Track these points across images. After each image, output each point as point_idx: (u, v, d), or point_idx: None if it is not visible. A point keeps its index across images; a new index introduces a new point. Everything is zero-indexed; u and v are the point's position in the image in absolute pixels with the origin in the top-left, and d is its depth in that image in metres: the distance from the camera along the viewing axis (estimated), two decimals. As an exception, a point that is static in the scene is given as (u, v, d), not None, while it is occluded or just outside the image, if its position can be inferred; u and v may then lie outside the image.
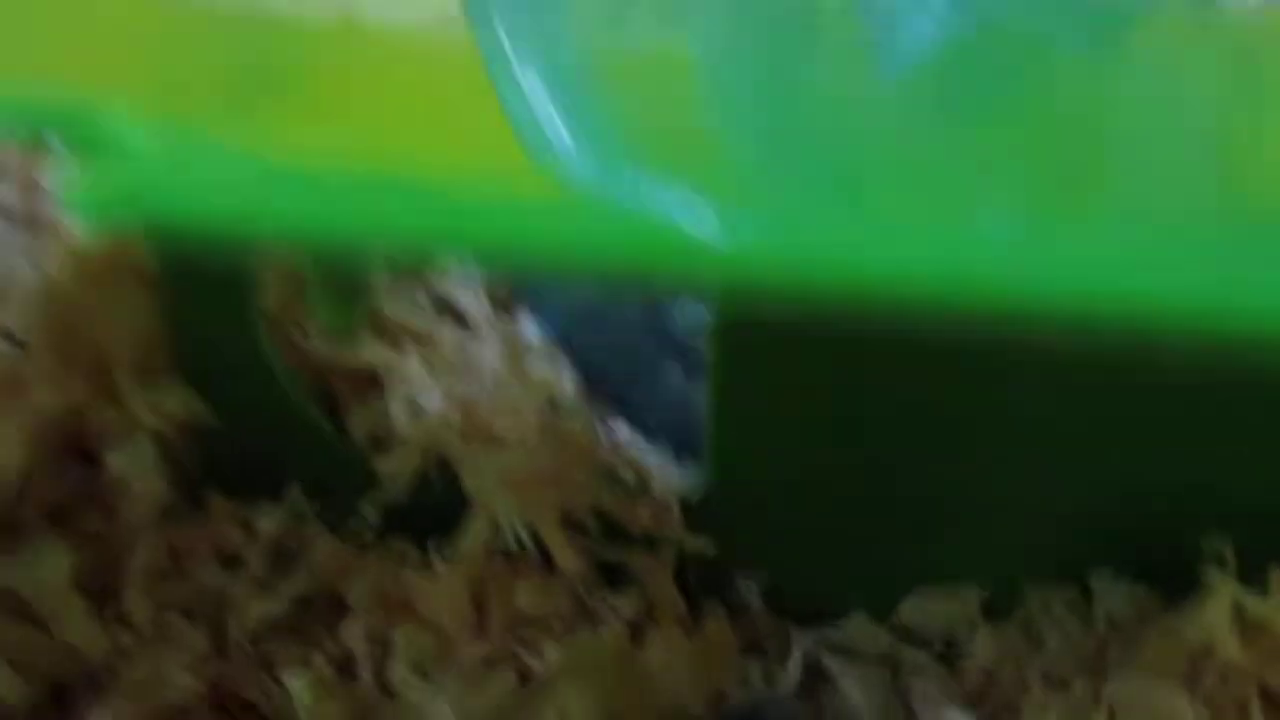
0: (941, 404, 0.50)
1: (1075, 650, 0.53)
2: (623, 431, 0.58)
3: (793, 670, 0.56)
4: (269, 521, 0.54)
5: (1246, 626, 0.50)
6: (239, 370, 0.53)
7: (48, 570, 0.52)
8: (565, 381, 0.57)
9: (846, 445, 0.52)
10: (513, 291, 0.60)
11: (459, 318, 0.59)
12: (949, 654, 0.57)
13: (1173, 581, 0.52)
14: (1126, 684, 0.50)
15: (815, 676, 0.56)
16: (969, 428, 0.51)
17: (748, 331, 0.48)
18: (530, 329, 0.58)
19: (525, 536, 0.54)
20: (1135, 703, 0.50)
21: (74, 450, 0.54)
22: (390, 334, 0.57)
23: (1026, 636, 0.55)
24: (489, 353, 0.56)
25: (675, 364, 0.58)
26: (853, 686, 0.55)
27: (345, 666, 0.54)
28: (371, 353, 0.56)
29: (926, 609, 0.56)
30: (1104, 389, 0.48)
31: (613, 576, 0.56)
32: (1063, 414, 0.50)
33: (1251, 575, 0.51)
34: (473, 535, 0.54)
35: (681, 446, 0.57)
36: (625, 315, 0.59)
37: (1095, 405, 0.49)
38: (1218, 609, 0.49)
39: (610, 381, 0.60)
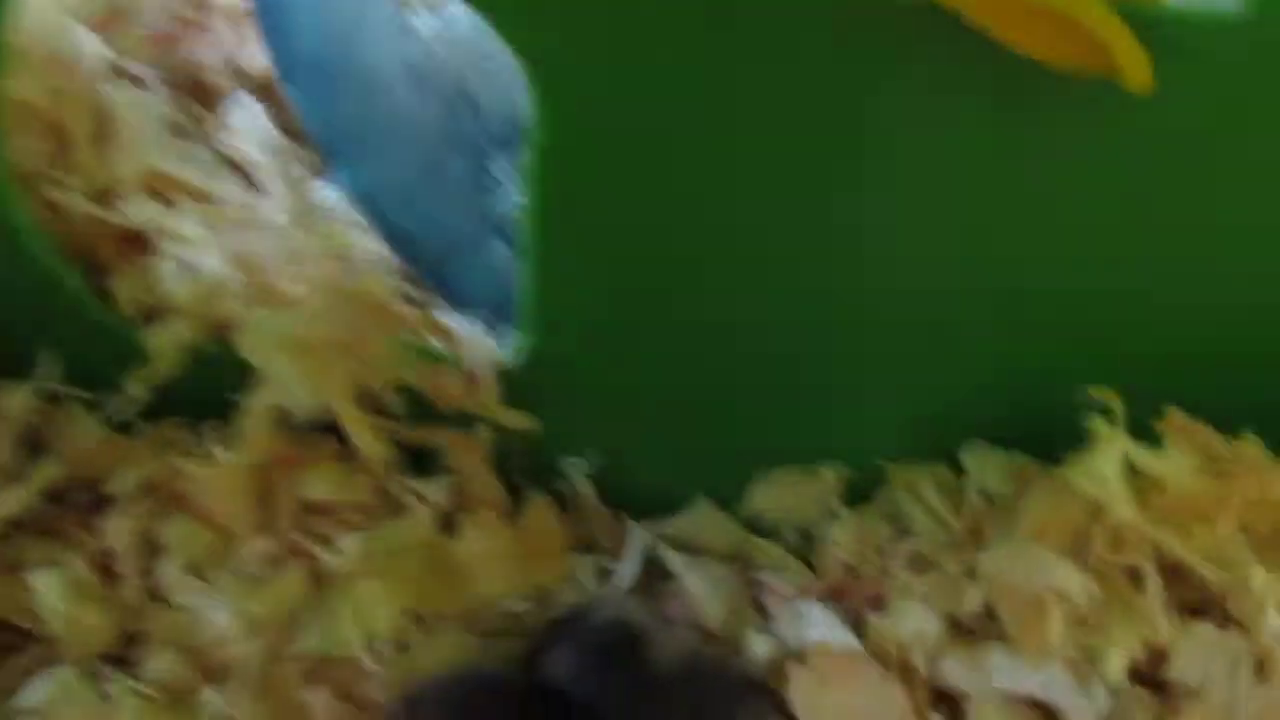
0: (783, 244, 0.43)
1: (946, 531, 0.47)
2: (433, 301, 0.51)
3: (628, 566, 0.49)
4: (16, 401, 0.46)
5: (1139, 484, 0.44)
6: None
7: None
8: (365, 241, 0.49)
9: (677, 302, 0.45)
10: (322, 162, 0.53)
11: (246, 176, 0.51)
12: (805, 545, 0.50)
13: (1054, 446, 0.46)
14: (1003, 556, 0.43)
15: (654, 573, 0.50)
16: (815, 275, 0.44)
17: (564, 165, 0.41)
18: (328, 191, 0.51)
19: (317, 415, 0.46)
20: (1014, 576, 0.44)
21: None
22: (164, 192, 0.49)
23: (891, 521, 0.49)
24: (275, 208, 0.49)
25: (498, 242, 0.51)
26: (697, 584, 0.49)
27: (107, 567, 0.47)
28: (140, 211, 0.48)
29: (778, 495, 0.50)
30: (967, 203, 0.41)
31: (420, 461, 0.49)
32: (920, 252, 0.43)
33: (1139, 431, 0.44)
34: (255, 415, 0.46)
35: (501, 318, 0.49)
36: (444, 191, 0.51)
37: (959, 233, 0.42)
38: (1106, 464, 0.43)
39: (425, 255, 0.52)
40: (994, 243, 0.43)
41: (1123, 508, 0.43)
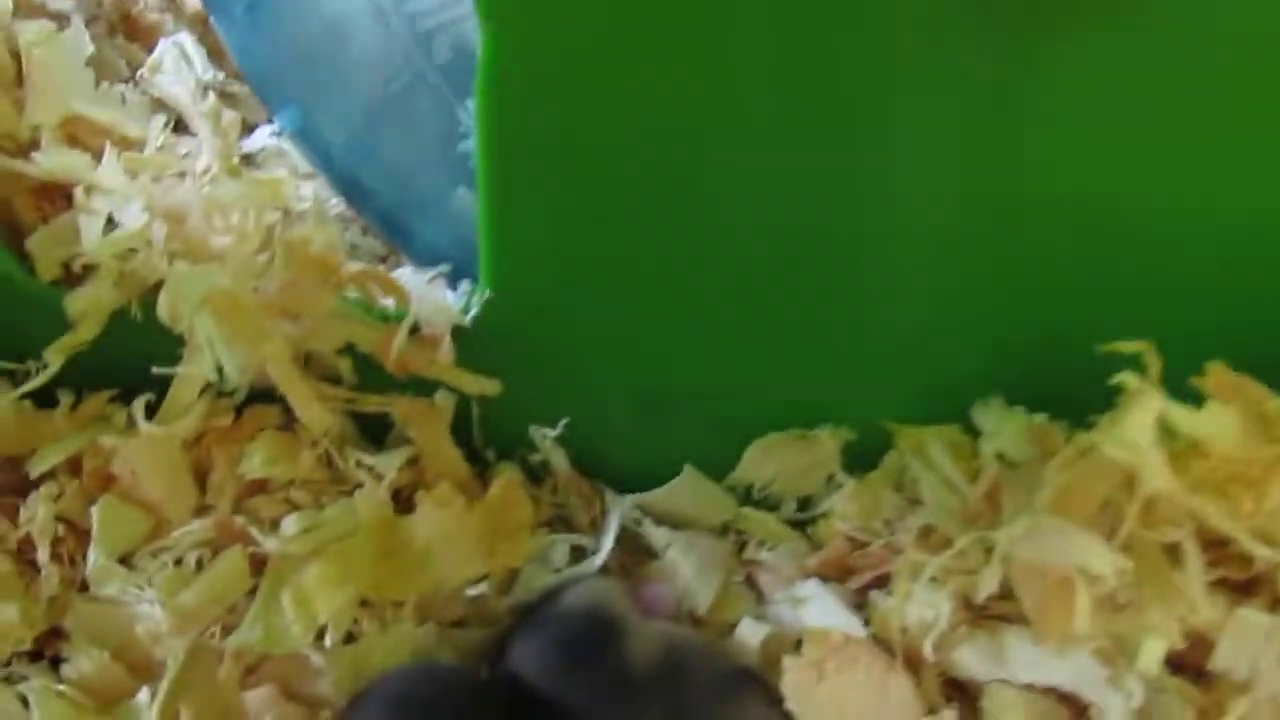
0: (767, 187, 0.38)
1: (959, 502, 0.41)
2: (387, 254, 0.46)
3: (605, 544, 0.45)
4: (-75, 375, 0.42)
5: (1177, 449, 0.38)
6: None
7: None
8: (309, 190, 0.44)
9: (651, 251, 0.40)
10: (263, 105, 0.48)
11: (176, 121, 0.46)
12: (803, 516, 0.46)
13: (1081, 407, 0.40)
14: (1024, 531, 0.38)
15: (635, 550, 0.45)
16: (803, 219, 0.39)
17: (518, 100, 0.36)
18: (265, 135, 0.46)
19: (256, 384, 0.42)
20: (1036, 553, 0.38)
21: None
22: (85, 140, 0.44)
23: (898, 489, 0.44)
24: (206, 154, 0.44)
25: (465, 191, 0.46)
26: (683, 562, 0.44)
27: (26, 555, 0.43)
28: (57, 160, 0.43)
29: (772, 462, 0.46)
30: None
31: (372, 432, 0.45)
32: (923, 187, 0.38)
33: (1178, 390, 0.38)
34: (187, 384, 0.42)
35: (465, 275, 0.44)
36: (407, 138, 0.46)
37: (966, 167, 0.37)
38: (1139, 426, 0.38)
39: (381, 205, 0.47)
40: (1006, 175, 0.38)
41: (1158, 475, 0.38)
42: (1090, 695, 0.39)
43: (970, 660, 0.40)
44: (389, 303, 0.43)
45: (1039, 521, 0.39)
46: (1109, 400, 0.39)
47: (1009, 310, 0.41)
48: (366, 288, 0.43)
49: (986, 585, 0.40)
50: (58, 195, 0.44)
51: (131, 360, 0.43)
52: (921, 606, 0.41)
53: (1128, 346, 0.38)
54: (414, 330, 0.42)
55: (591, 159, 0.38)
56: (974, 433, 0.43)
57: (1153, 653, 0.39)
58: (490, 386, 0.43)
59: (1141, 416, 0.38)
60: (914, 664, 0.41)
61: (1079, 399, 0.40)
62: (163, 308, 0.41)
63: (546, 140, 0.38)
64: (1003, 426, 0.42)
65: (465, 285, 0.43)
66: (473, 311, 0.42)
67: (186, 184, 0.43)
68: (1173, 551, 0.39)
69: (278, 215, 0.43)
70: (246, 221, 0.42)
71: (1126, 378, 0.38)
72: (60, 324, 0.42)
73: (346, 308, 0.42)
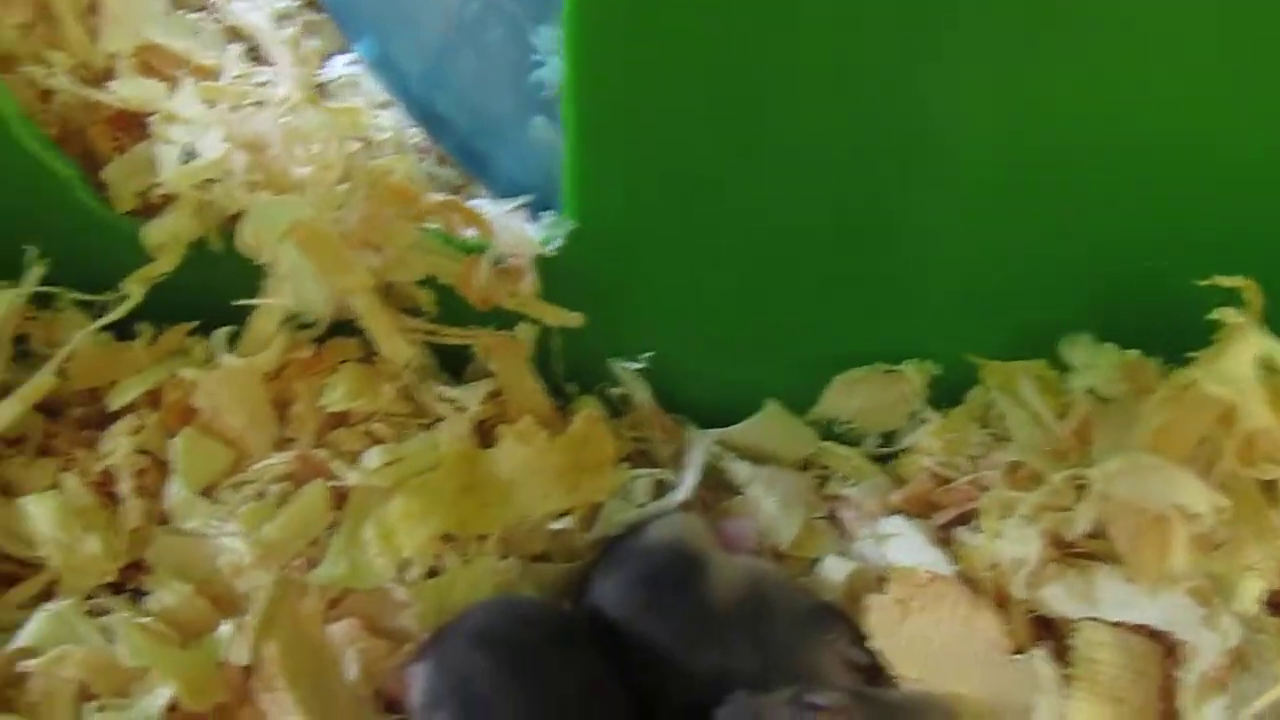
0: (854, 115, 0.37)
1: (1048, 439, 0.41)
2: (469, 185, 0.45)
3: (687, 479, 0.44)
4: (3, 305, 0.42)
5: (1276, 384, 0.37)
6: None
7: None
8: (388, 120, 0.44)
9: (735, 180, 0.39)
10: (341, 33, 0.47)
11: (254, 49, 0.46)
12: (886, 452, 0.45)
13: (1176, 343, 0.39)
14: (1118, 468, 0.37)
15: (716, 485, 0.44)
16: (887, 146, 0.38)
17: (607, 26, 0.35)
18: (341, 64, 0.45)
19: (336, 316, 0.41)
20: (1131, 491, 0.38)
21: None
22: (161, 69, 0.44)
23: (985, 425, 0.43)
24: (285, 83, 0.43)
25: (538, 121, 0.45)
26: (765, 497, 0.43)
27: (108, 489, 0.42)
28: (132, 89, 0.42)
29: (856, 397, 0.45)
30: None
31: (453, 365, 0.44)
32: (1004, 110, 0.37)
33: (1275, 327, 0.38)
34: (267, 316, 0.41)
35: (545, 208, 0.44)
36: (481, 64, 0.45)
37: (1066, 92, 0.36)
38: (1238, 361, 0.37)
39: (458, 133, 0.47)
40: (1077, 119, 0.37)
41: (1258, 411, 0.37)
42: (1183, 635, 0.39)
43: (1059, 598, 0.40)
44: (470, 234, 0.42)
45: (1135, 459, 0.38)
46: (1200, 338, 0.38)
47: (1095, 247, 0.40)
48: (448, 219, 0.42)
49: (1081, 522, 0.39)
50: (133, 125, 0.43)
51: (209, 292, 0.42)
52: (1011, 544, 0.40)
53: (1228, 281, 0.37)
54: (496, 262, 0.41)
55: (676, 88, 0.37)
56: (1061, 368, 0.42)
57: (1250, 592, 0.38)
58: (572, 319, 0.43)
59: (1242, 352, 0.37)
60: (1002, 602, 0.40)
61: (1168, 335, 0.39)
62: (244, 239, 0.40)
63: (633, 70, 0.37)
64: (1094, 362, 0.42)
65: (547, 216, 0.42)
66: (556, 243, 0.41)
67: (265, 113, 0.42)
68: (1271, 489, 0.38)
69: (357, 145, 0.43)
70: (327, 151, 0.41)
71: (1227, 313, 0.37)
72: (137, 255, 0.42)
73: (427, 239, 0.41)
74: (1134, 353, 0.41)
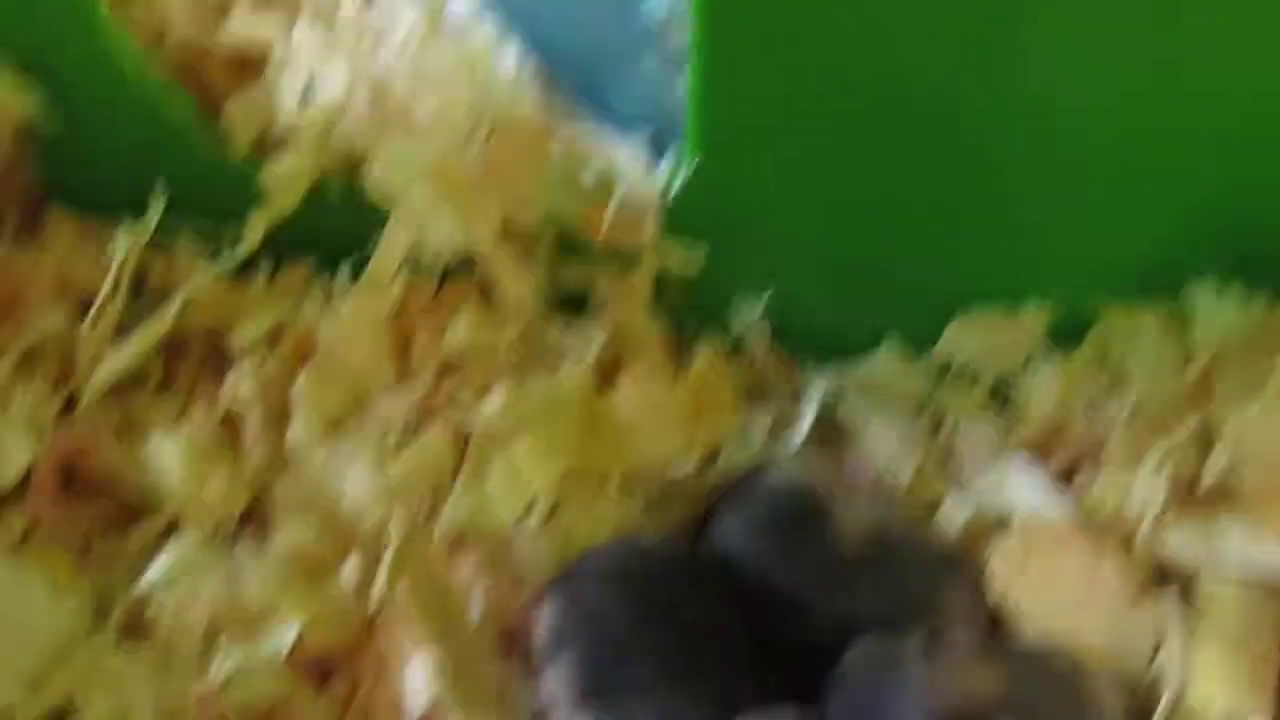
0: (978, 56, 0.36)
1: (1169, 384, 0.40)
2: (586, 123, 0.45)
3: (806, 420, 0.44)
4: (123, 244, 0.41)
5: None
6: (80, 56, 0.41)
7: None
8: (508, 58, 0.43)
9: (860, 116, 0.38)
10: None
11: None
12: (1005, 394, 0.45)
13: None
14: (1251, 415, 0.37)
15: (834, 427, 0.44)
16: (1013, 84, 0.37)
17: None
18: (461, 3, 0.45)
19: (458, 256, 0.41)
20: (1264, 438, 0.37)
21: None
22: (276, 3, 0.43)
23: (1105, 369, 0.42)
24: (406, 20, 0.43)
25: (650, 55, 0.44)
26: (884, 439, 0.43)
27: (231, 427, 0.42)
28: (253, 26, 0.42)
29: (975, 338, 0.44)
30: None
31: (574, 305, 0.44)
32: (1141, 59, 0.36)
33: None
34: (389, 255, 0.41)
35: (658, 144, 0.43)
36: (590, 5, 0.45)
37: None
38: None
39: (573, 71, 0.46)
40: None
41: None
42: (1311, 586, 0.38)
43: (1184, 547, 0.40)
44: (593, 173, 0.42)
45: (1269, 406, 0.38)
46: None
47: (1223, 189, 0.40)
48: (572, 157, 0.42)
49: (1211, 471, 0.39)
50: (250, 64, 0.43)
51: (329, 232, 0.42)
52: (1136, 491, 0.40)
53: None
54: (620, 203, 0.41)
55: (800, 24, 0.37)
56: (1186, 313, 0.42)
57: (1386, 544, 0.38)
58: (693, 259, 0.42)
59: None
60: (1125, 548, 0.40)
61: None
62: (373, 179, 0.40)
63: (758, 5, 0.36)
64: (1217, 307, 0.41)
65: (669, 155, 0.42)
66: (679, 181, 0.41)
67: (388, 51, 0.42)
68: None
69: (481, 83, 0.42)
70: (454, 90, 0.41)
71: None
72: (255, 195, 0.42)
73: (553, 179, 0.41)
74: (1261, 298, 0.41)
